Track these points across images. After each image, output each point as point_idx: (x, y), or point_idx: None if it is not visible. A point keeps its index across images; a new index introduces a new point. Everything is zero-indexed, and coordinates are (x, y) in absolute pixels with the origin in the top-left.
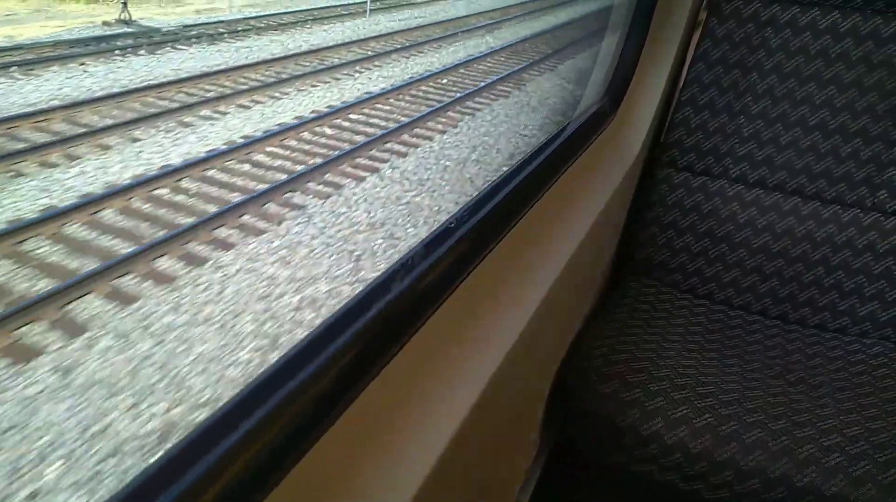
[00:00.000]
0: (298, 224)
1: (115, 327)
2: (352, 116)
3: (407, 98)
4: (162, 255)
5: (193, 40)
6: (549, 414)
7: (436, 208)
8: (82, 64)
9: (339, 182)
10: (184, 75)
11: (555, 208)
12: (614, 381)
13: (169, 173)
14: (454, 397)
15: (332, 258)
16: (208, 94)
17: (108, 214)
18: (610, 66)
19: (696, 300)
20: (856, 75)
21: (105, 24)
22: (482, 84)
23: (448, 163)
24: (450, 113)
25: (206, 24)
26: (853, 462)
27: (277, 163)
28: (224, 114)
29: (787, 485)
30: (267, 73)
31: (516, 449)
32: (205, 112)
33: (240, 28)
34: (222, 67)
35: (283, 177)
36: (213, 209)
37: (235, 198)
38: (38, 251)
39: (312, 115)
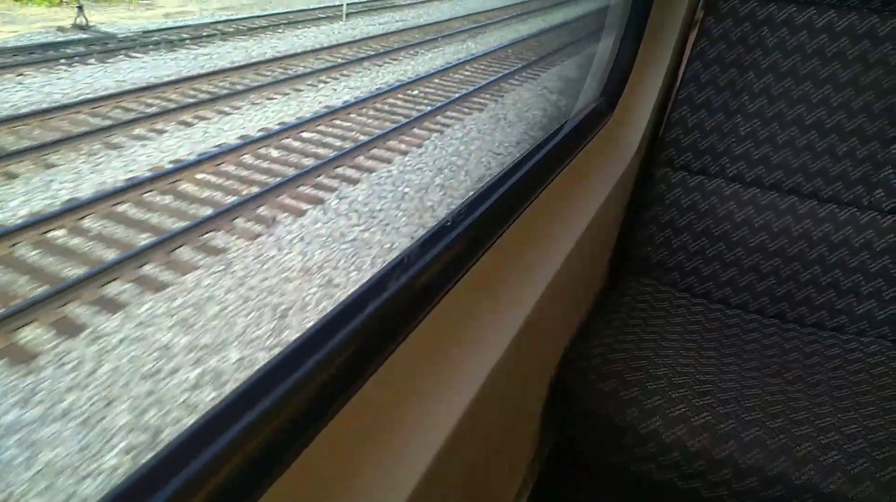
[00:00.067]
0: (212, 274)
1: None
2: (304, 135)
3: (370, 113)
4: (27, 324)
5: (151, 47)
6: (547, 413)
7: (387, 244)
8: (20, 74)
9: (274, 217)
10: (127, 87)
11: (552, 207)
12: (612, 380)
13: (71, 210)
14: (451, 396)
15: (251, 316)
16: (149, 110)
17: None
18: (606, 65)
19: (693, 299)
20: (852, 74)
21: (60, 29)
22: (456, 96)
23: (407, 189)
24: (416, 130)
25: (169, 29)
26: (851, 460)
27: (205, 194)
28: (161, 132)
29: (786, 483)
30: (221, 83)
31: (515, 448)
32: (139, 131)
33: (205, 33)
34: (172, 78)
35: (208, 212)
36: (111, 256)
37: (143, 241)
38: None
39: (260, 135)
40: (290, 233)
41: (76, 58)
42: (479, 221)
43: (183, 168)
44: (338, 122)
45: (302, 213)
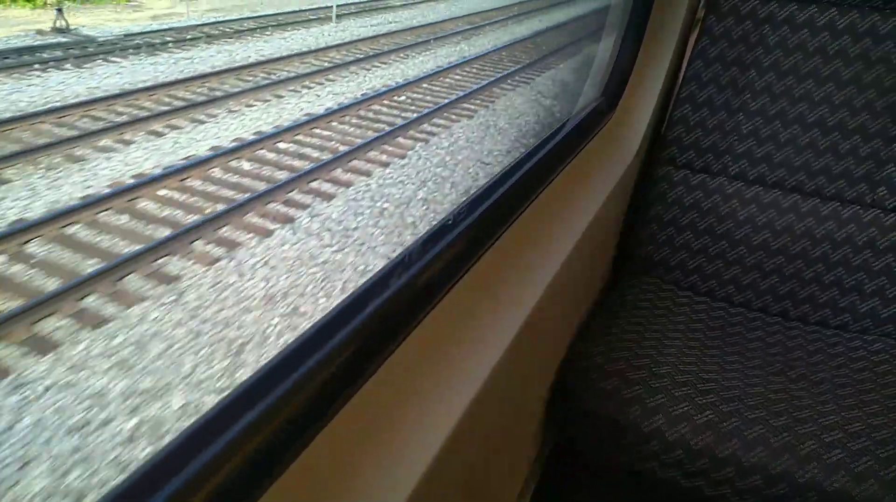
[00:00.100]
0: (161, 306)
1: None
2: (280, 146)
3: (353, 121)
4: None
5: (131, 51)
6: (548, 412)
7: (361, 267)
8: None
9: (237, 239)
10: (99, 95)
11: (553, 206)
12: (615, 379)
13: (14, 233)
14: (452, 395)
15: (201, 353)
16: (118, 119)
17: None
18: (608, 63)
19: (696, 297)
20: (854, 72)
21: (39, 32)
22: (444, 102)
23: (387, 205)
24: (400, 139)
25: (153, 32)
26: (855, 458)
27: (165, 212)
28: (129, 143)
29: (789, 482)
30: (199, 90)
31: (516, 448)
32: (105, 142)
33: (189, 36)
34: (148, 84)
35: (165, 233)
36: (50, 287)
37: (89, 267)
38: None
39: (232, 145)
40: (253, 256)
41: (52, 62)
42: (480, 220)
43: (144, 184)
44: (318, 131)
45: (269, 234)
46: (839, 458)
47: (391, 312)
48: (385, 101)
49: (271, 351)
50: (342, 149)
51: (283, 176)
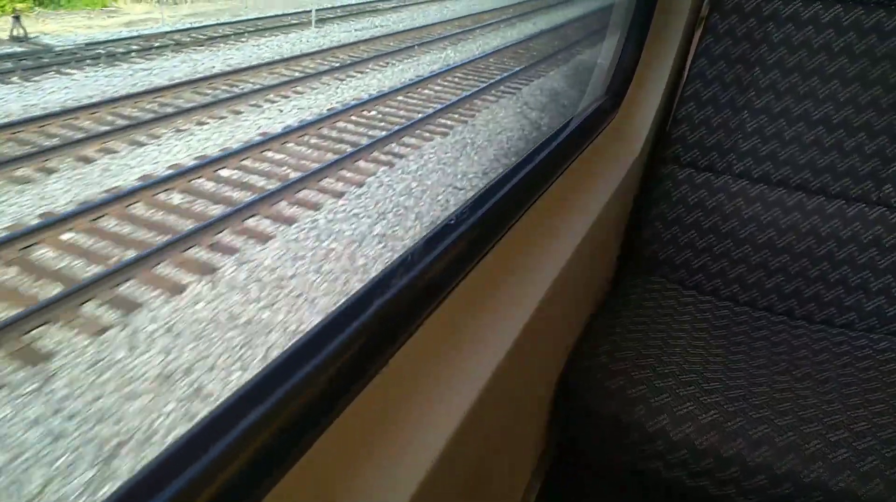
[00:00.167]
0: (15, 400)
1: None
2: (223, 173)
3: (312, 141)
4: None
5: (88, 62)
6: (552, 412)
7: (294, 325)
8: None
9: (138, 299)
10: (35, 113)
11: (557, 205)
12: (619, 378)
13: None
14: (454, 395)
15: (59, 462)
16: (48, 143)
17: None
18: (611, 62)
19: (701, 296)
20: (859, 69)
21: None
22: (418, 117)
23: (334, 244)
24: (361, 163)
25: (118, 40)
26: (860, 457)
27: (62, 263)
28: (51, 173)
29: (794, 481)
30: (149, 106)
31: (519, 448)
32: (24, 171)
33: (156, 44)
34: (94, 100)
35: (53, 292)
36: None
37: None
38: None
39: (167, 173)
40: (154, 320)
41: None
42: (483, 219)
43: (46, 226)
44: (270, 154)
45: (180, 290)
46: (845, 458)
47: (394, 312)
48: (353, 117)
49: (155, 450)
50: (293, 176)
51: (216, 211)
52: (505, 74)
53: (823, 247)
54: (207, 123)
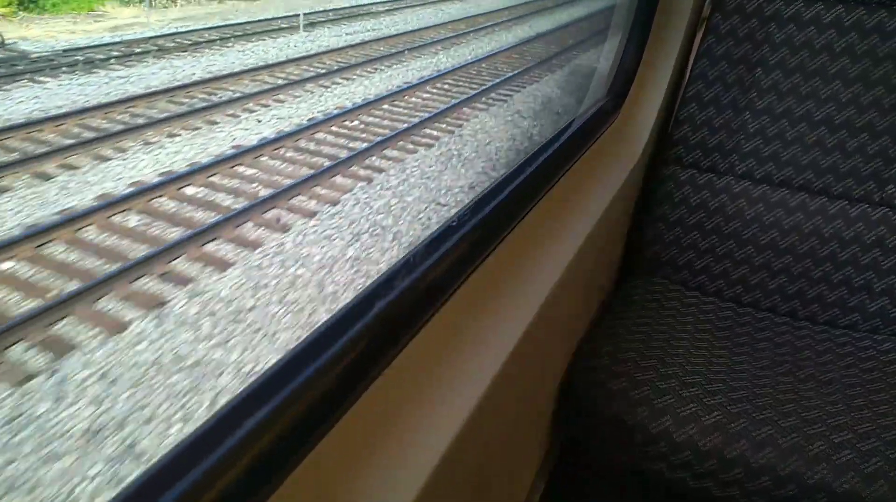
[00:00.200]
0: None
1: None
2: (188, 190)
3: (288, 154)
4: None
5: (65, 69)
6: (556, 413)
7: (249, 365)
8: None
9: (71, 340)
10: None
11: (559, 206)
12: (622, 379)
13: None
14: (457, 396)
15: None
16: (5, 158)
17: None
18: (613, 63)
19: (704, 297)
20: (861, 69)
21: None
22: (402, 127)
23: (301, 270)
24: (338, 178)
25: (99, 46)
26: (864, 458)
27: None
28: (2, 192)
29: (798, 483)
30: (119, 117)
31: (523, 448)
32: None
33: (138, 50)
34: (62, 111)
35: None
36: None
37: None
38: None
39: (127, 192)
40: (87, 365)
41: None
42: (485, 221)
43: None
44: (241, 169)
45: (121, 329)
46: (849, 459)
47: (396, 314)
48: (333, 128)
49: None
50: (263, 194)
51: (174, 234)
52: (497, 80)
53: (826, 247)
54: (179, 135)
